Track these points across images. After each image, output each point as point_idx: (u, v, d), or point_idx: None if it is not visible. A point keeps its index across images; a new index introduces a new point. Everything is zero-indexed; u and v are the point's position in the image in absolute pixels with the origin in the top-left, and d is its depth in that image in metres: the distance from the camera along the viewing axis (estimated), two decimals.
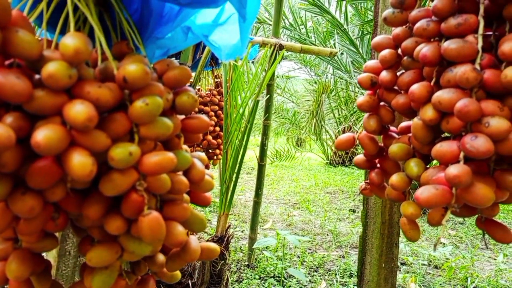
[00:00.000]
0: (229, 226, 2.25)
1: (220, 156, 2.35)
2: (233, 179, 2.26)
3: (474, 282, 2.96)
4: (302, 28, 6.47)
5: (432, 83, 0.53)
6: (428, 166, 0.56)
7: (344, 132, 7.95)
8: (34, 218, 0.39)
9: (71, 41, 0.38)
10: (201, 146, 2.33)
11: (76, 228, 0.49)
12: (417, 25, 0.55)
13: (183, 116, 0.52)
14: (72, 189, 0.41)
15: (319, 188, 6.34)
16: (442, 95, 0.49)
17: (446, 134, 0.55)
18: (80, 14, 0.50)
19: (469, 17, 0.50)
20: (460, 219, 4.51)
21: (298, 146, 10.07)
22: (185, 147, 0.53)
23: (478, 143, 0.43)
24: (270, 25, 4.28)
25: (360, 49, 5.78)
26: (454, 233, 4.15)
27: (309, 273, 3.08)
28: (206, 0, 0.55)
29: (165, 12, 0.62)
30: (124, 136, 0.42)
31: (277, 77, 8.38)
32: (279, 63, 2.87)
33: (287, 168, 8.35)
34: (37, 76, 0.40)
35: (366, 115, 0.64)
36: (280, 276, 2.94)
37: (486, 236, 0.53)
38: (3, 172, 0.37)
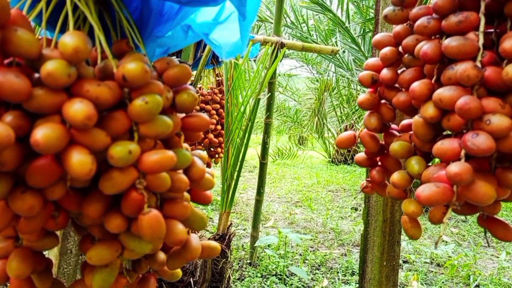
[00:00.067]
0: (231, 224, 2.25)
1: (221, 155, 2.35)
2: (235, 177, 2.26)
3: (476, 280, 2.95)
4: (304, 26, 6.46)
5: (433, 81, 0.53)
6: (429, 164, 0.56)
7: (346, 130, 7.95)
8: (34, 217, 0.39)
9: (70, 39, 0.38)
10: (202, 145, 2.33)
11: (77, 226, 0.49)
12: (418, 22, 0.55)
13: (183, 115, 0.52)
14: (72, 187, 0.41)
15: (321, 186, 6.34)
16: (443, 92, 0.49)
17: (448, 132, 0.55)
18: (80, 13, 0.50)
19: (470, 15, 0.50)
20: (463, 217, 4.50)
21: (300, 144, 10.06)
22: (185, 145, 0.53)
23: (479, 140, 0.43)
24: (272, 23, 4.27)
25: (362, 47, 5.77)
26: (456, 231, 4.14)
27: (311, 271, 3.09)
28: None
29: (165, 10, 0.62)
30: (123, 134, 0.42)
31: (279, 75, 8.37)
32: (281, 61, 2.87)
33: (289, 166, 8.34)
34: (36, 75, 0.40)
35: (367, 113, 0.64)
36: (282, 274, 2.94)
37: (489, 234, 0.53)
38: (3, 171, 0.37)
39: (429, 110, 0.51)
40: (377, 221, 1.03)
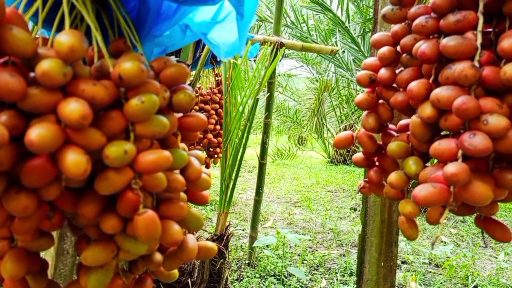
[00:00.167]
0: (229, 224, 2.25)
1: (221, 155, 2.35)
2: (233, 177, 2.26)
3: (475, 280, 2.95)
4: (304, 26, 6.46)
5: (430, 81, 0.53)
6: (427, 164, 0.56)
7: (345, 130, 7.94)
8: (28, 217, 0.39)
9: (66, 38, 0.38)
10: (201, 145, 2.33)
11: (73, 227, 0.49)
12: (416, 22, 0.55)
13: (180, 114, 0.51)
14: (68, 187, 0.41)
15: (320, 186, 6.34)
16: (441, 92, 0.48)
17: (445, 132, 0.55)
18: (78, 12, 0.50)
19: (468, 14, 0.50)
20: (461, 217, 4.50)
21: (300, 145, 10.06)
22: (182, 145, 0.53)
23: (476, 141, 0.43)
24: (272, 23, 4.27)
25: (361, 47, 5.77)
26: (455, 231, 4.14)
27: (309, 272, 3.08)
28: None
29: (162, 9, 0.62)
30: (119, 134, 0.42)
31: (279, 75, 8.37)
32: (280, 61, 2.86)
33: (289, 166, 8.34)
34: (32, 74, 0.40)
35: (364, 113, 0.64)
36: (280, 274, 2.94)
37: (486, 235, 0.53)
38: None
39: (426, 110, 0.50)
40: (375, 222, 1.03)
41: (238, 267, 3.10)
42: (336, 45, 5.88)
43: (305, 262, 3.27)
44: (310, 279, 2.96)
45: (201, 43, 2.11)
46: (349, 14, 5.86)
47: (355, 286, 1.12)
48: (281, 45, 2.55)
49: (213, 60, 2.32)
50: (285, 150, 8.63)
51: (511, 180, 0.46)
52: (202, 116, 0.52)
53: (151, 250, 0.48)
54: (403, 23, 0.60)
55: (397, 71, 0.60)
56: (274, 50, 2.51)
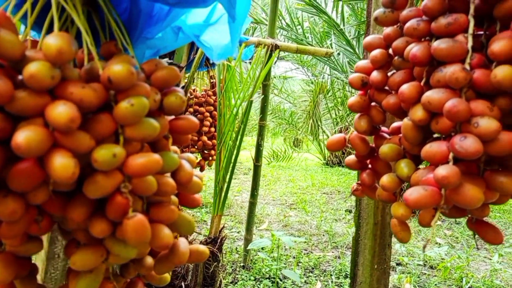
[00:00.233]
0: (223, 227, 2.24)
1: (215, 157, 2.34)
2: (227, 180, 2.25)
3: (469, 282, 2.96)
4: (299, 29, 6.48)
5: (422, 83, 0.53)
6: (419, 167, 0.56)
7: (341, 132, 7.96)
8: (16, 221, 0.39)
9: (54, 41, 0.38)
10: (196, 147, 2.32)
11: (62, 231, 0.48)
12: (408, 24, 0.55)
13: (171, 117, 0.51)
14: (56, 191, 0.40)
15: (315, 188, 6.34)
16: (432, 95, 0.48)
17: (437, 135, 0.55)
18: (68, 14, 0.50)
19: (459, 17, 0.50)
20: (456, 219, 4.51)
21: (295, 147, 10.08)
22: (174, 148, 0.52)
23: (467, 143, 0.43)
24: (267, 25, 4.28)
25: (356, 50, 5.79)
26: (449, 233, 4.16)
27: (304, 274, 3.08)
28: (194, 0, 0.54)
29: (154, 12, 0.61)
30: (109, 137, 0.41)
31: (274, 77, 8.38)
32: (275, 63, 2.87)
33: (284, 168, 8.34)
34: (19, 77, 0.39)
35: (357, 115, 0.64)
36: (275, 277, 2.93)
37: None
38: None
39: (418, 112, 0.50)
40: (368, 224, 1.03)
41: (233, 269, 3.09)
42: (331, 47, 5.90)
43: (300, 264, 3.27)
44: (305, 281, 2.96)
45: (195, 46, 2.11)
46: (344, 16, 5.89)
47: None
48: (276, 47, 2.55)
49: (208, 62, 2.32)
50: (280, 152, 8.64)
51: (502, 183, 0.46)
52: (194, 118, 0.52)
53: (142, 254, 0.48)
54: (395, 26, 0.60)
55: (389, 73, 0.60)
56: (269, 52, 2.51)
